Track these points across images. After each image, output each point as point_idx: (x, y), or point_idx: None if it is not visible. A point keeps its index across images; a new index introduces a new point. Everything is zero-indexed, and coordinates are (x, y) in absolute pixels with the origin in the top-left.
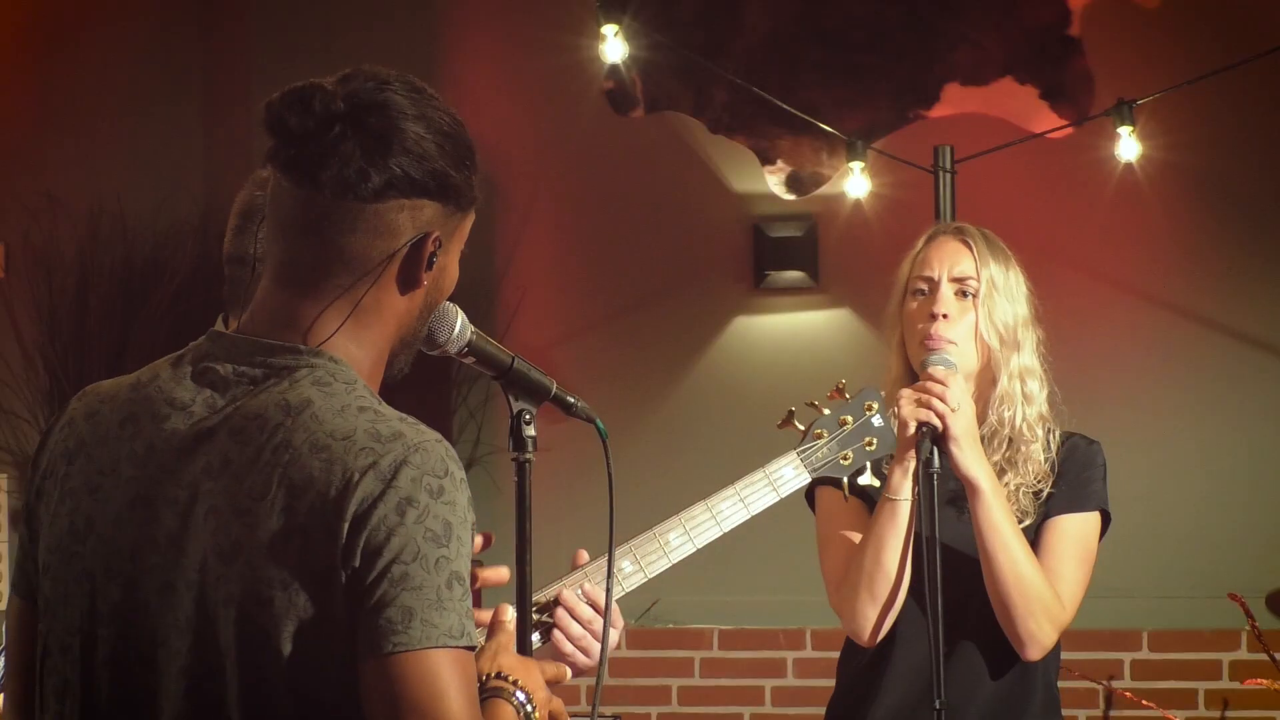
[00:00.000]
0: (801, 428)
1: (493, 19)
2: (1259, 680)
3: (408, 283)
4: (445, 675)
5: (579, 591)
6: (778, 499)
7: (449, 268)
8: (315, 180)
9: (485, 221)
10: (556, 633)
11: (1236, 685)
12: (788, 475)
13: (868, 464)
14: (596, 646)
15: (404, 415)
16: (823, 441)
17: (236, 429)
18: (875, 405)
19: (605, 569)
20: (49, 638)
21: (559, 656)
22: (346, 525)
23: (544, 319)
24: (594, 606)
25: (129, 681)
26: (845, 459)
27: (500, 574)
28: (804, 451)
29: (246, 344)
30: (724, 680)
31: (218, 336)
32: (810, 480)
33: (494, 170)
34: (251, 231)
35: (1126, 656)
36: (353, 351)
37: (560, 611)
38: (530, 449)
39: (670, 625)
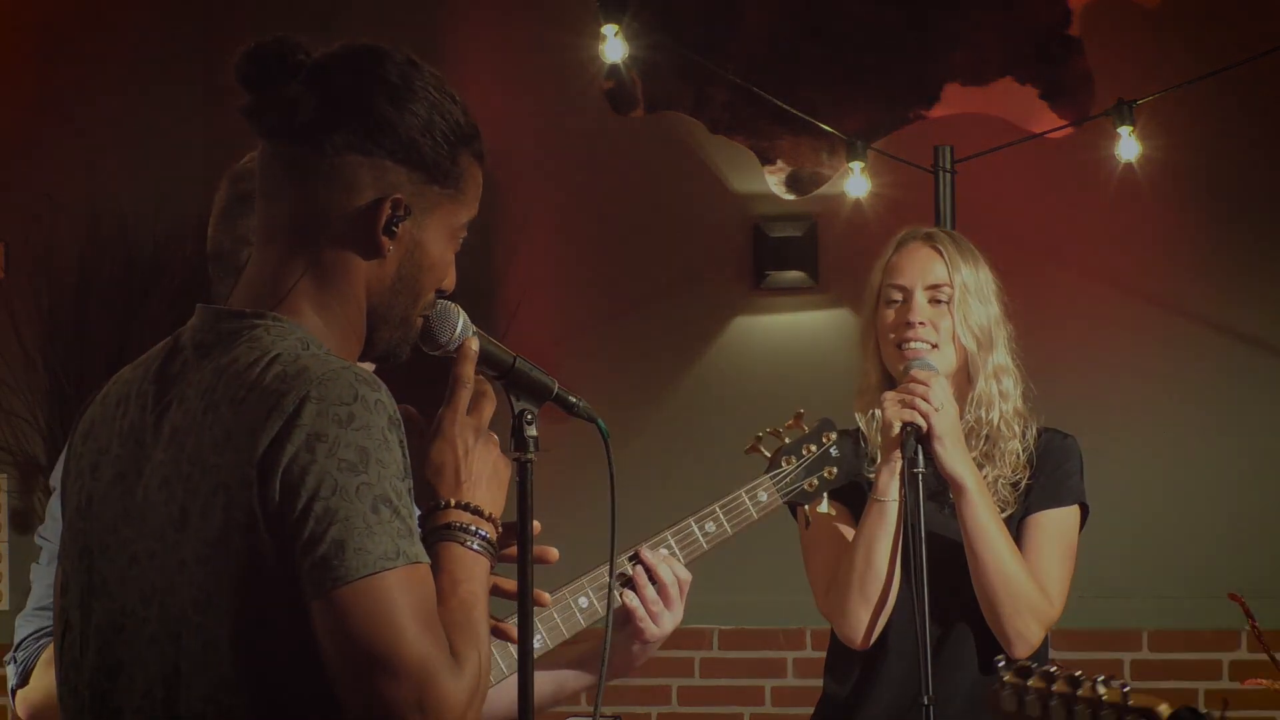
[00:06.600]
0: (768, 454)
1: (492, 19)
2: (1259, 680)
3: (368, 245)
4: (386, 600)
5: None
6: (754, 519)
7: (428, 245)
8: (276, 126)
9: (485, 221)
10: (629, 596)
11: (1236, 685)
12: (763, 498)
13: (825, 494)
14: (668, 616)
15: (329, 355)
16: (791, 468)
17: (182, 398)
18: (833, 436)
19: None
20: (65, 613)
21: (626, 619)
22: (256, 471)
23: (544, 319)
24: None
25: (109, 651)
26: (810, 485)
27: (549, 553)
28: (775, 476)
29: (213, 314)
30: (724, 680)
31: (199, 309)
32: (782, 502)
33: (494, 170)
34: (227, 225)
35: (1126, 656)
36: (309, 316)
37: (639, 571)
38: (532, 449)
39: None
